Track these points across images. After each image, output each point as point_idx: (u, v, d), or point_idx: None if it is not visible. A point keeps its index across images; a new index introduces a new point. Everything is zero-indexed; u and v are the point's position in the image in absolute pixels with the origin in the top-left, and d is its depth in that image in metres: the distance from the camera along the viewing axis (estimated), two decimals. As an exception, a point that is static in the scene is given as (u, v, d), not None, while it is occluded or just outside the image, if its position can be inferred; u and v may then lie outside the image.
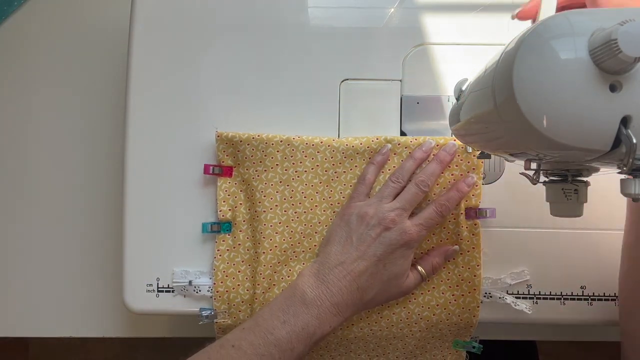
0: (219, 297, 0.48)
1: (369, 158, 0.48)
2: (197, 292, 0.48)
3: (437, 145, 0.47)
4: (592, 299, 0.47)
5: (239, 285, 0.48)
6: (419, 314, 0.47)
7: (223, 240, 0.48)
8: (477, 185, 0.47)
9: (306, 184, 0.48)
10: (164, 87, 0.49)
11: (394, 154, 0.47)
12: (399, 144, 0.47)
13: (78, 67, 0.59)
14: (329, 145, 0.48)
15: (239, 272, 0.48)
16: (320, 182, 0.48)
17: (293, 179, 0.48)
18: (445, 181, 0.47)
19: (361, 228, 0.44)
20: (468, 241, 0.47)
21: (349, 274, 0.42)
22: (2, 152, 0.59)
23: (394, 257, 0.43)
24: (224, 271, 0.48)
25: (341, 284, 0.42)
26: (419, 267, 0.46)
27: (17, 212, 0.59)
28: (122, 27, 0.51)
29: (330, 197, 0.48)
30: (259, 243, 0.47)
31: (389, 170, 0.47)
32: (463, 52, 0.49)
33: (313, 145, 0.48)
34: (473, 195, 0.47)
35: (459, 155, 0.47)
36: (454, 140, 0.47)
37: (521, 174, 0.35)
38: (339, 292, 0.42)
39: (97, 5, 0.60)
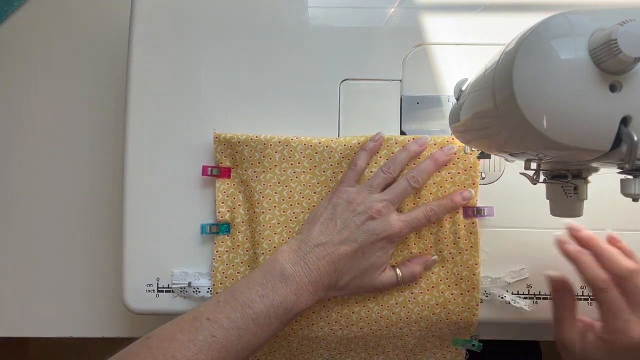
0: (219, 297, 0.48)
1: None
2: (196, 294, 0.48)
3: (435, 144, 0.47)
4: (591, 299, 0.47)
5: (238, 285, 0.48)
6: (418, 314, 0.47)
7: (222, 242, 0.48)
8: (474, 184, 0.47)
9: (304, 185, 0.48)
10: (163, 87, 0.49)
11: (392, 153, 0.47)
12: (396, 143, 0.47)
13: (78, 67, 0.59)
14: (327, 146, 0.47)
15: (238, 273, 0.48)
16: (318, 183, 0.48)
17: (291, 179, 0.48)
18: (442, 180, 0.47)
19: (347, 213, 0.44)
20: (466, 240, 0.47)
21: (328, 255, 0.43)
22: (2, 152, 0.59)
23: (374, 248, 0.44)
24: (223, 272, 0.48)
25: (320, 263, 0.42)
26: (397, 270, 0.46)
27: (17, 212, 0.59)
28: (122, 27, 0.51)
29: (329, 198, 0.48)
30: (257, 244, 0.47)
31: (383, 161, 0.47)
32: (463, 52, 0.49)
33: (311, 145, 0.48)
34: None
35: (455, 154, 0.47)
36: (453, 139, 0.47)
37: (521, 174, 0.35)
38: (317, 270, 0.42)
39: (97, 6, 0.60)
